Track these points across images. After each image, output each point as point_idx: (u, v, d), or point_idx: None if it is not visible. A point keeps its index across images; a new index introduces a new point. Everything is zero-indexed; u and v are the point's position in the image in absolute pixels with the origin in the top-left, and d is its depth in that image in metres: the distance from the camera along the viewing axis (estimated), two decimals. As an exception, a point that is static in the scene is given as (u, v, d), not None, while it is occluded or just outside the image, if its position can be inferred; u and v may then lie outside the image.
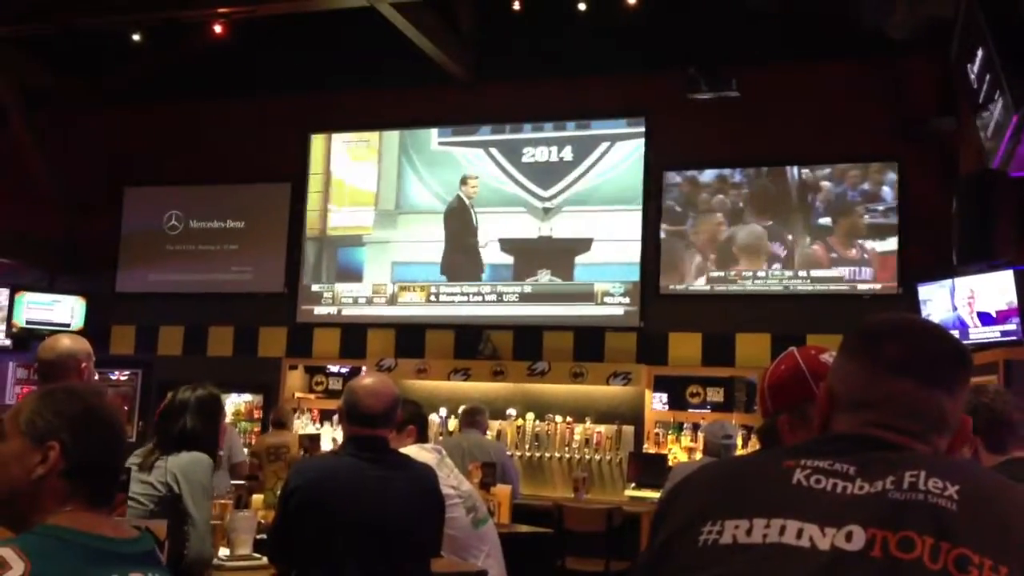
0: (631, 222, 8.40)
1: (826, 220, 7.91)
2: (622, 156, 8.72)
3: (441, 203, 9.22)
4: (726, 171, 8.22)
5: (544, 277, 8.78)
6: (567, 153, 8.97)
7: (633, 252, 8.35)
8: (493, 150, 9.24)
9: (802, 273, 7.91)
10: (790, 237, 7.98)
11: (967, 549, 1.11)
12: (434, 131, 9.25)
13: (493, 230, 9.01)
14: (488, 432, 7.07)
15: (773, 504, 1.21)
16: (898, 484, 1.19)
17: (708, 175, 8.27)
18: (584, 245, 8.74)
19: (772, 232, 8.03)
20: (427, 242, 9.14)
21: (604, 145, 8.84)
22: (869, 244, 7.77)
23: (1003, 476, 1.29)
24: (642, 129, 8.62)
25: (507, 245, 8.96)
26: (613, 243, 8.44)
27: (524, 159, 9.07)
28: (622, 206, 8.62)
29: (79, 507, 1.69)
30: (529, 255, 8.86)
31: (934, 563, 1.10)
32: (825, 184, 7.94)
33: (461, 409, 6.61)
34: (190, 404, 3.53)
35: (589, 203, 8.76)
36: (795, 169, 8.02)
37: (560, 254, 8.75)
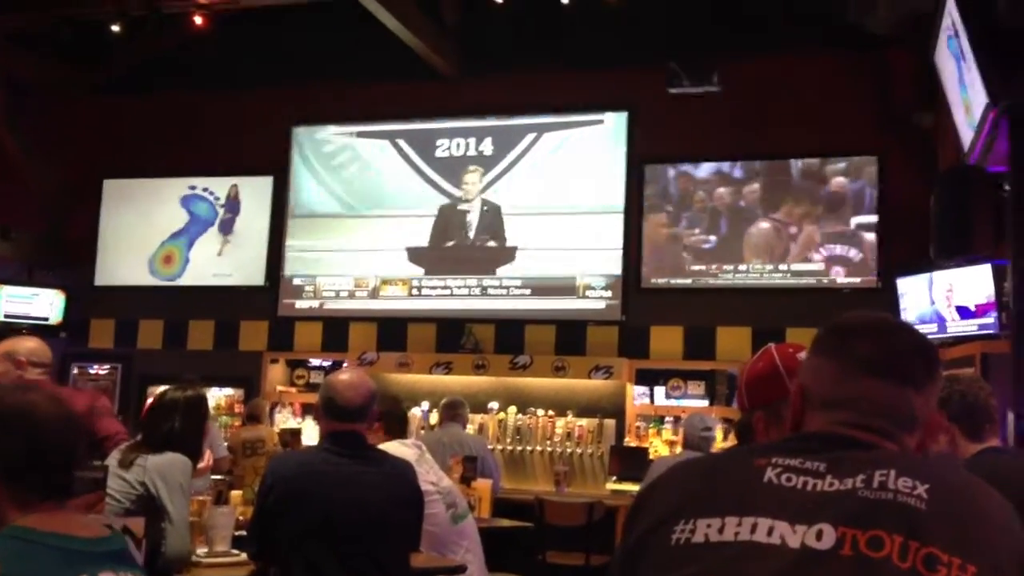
0: (613, 214, 8.38)
1: (803, 213, 7.93)
2: (549, 149, 8.56)
3: (342, 205, 9.02)
4: (706, 164, 8.23)
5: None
6: (487, 146, 8.78)
7: (615, 245, 8.34)
8: (401, 142, 8.97)
9: (782, 267, 7.94)
10: (767, 230, 8.01)
11: (936, 548, 1.12)
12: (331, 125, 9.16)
13: (398, 236, 8.75)
14: (469, 425, 7.06)
15: (745, 502, 1.22)
16: (868, 483, 1.20)
17: (688, 168, 8.28)
18: (506, 255, 8.58)
19: (747, 224, 8.06)
20: (329, 251, 8.96)
21: (530, 136, 8.66)
22: (848, 238, 7.80)
23: (972, 474, 1.30)
24: (574, 118, 8.53)
25: (414, 255, 8.82)
26: (594, 235, 8.42)
27: (438, 153, 8.88)
28: (550, 209, 8.41)
29: (41, 506, 1.69)
30: (441, 266, 8.67)
31: (903, 562, 1.11)
32: (804, 177, 7.97)
33: (442, 402, 6.60)
34: (179, 405, 3.53)
35: (516, 206, 8.57)
36: (775, 163, 8.05)
37: (479, 264, 8.62)
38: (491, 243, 8.63)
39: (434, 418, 8.06)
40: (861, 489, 1.19)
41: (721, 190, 8.18)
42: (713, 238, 8.14)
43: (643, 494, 1.36)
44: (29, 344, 3.80)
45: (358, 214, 8.98)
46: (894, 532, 1.14)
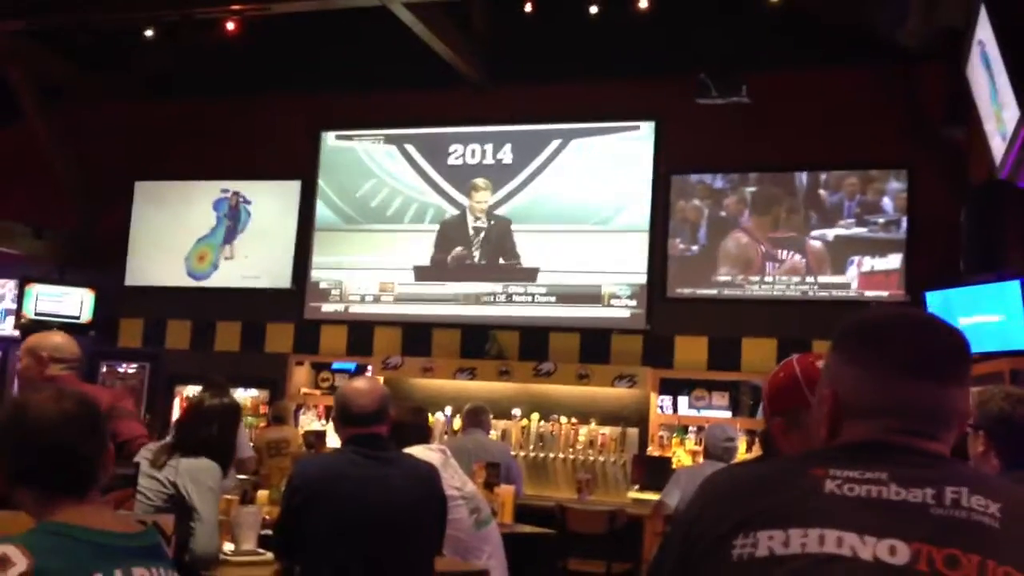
0: (638, 223, 8.38)
1: (834, 227, 7.90)
2: (574, 157, 8.45)
3: (341, 218, 9.01)
4: (734, 176, 8.22)
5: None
6: (506, 153, 8.67)
7: (640, 254, 8.33)
8: (409, 147, 8.76)
9: (809, 279, 7.91)
10: (794, 241, 7.98)
11: (1011, 567, 1.12)
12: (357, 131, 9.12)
13: (405, 253, 8.67)
14: (492, 432, 7.07)
15: (808, 514, 1.18)
16: (939, 499, 1.18)
17: (714, 179, 8.27)
18: (525, 275, 8.49)
19: (775, 237, 8.03)
20: (351, 269, 8.92)
21: (554, 144, 8.50)
22: (877, 251, 7.76)
23: None
24: (606, 125, 8.47)
25: (421, 273, 8.77)
26: (619, 244, 8.41)
27: (450, 160, 8.76)
28: (579, 225, 8.30)
29: (64, 502, 1.73)
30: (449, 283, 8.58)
31: None
32: (834, 190, 7.94)
33: (465, 408, 6.62)
34: (217, 413, 3.61)
35: (535, 219, 8.51)
36: (803, 175, 8.03)
37: (493, 282, 8.57)
38: (501, 261, 8.54)
39: (457, 423, 8.11)
40: (933, 506, 1.18)
41: (744, 201, 8.15)
42: (727, 250, 8.14)
43: (692, 508, 1.31)
44: (55, 340, 3.82)
45: (378, 224, 8.97)
46: (970, 551, 1.13)
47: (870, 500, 1.18)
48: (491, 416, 6.68)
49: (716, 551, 1.20)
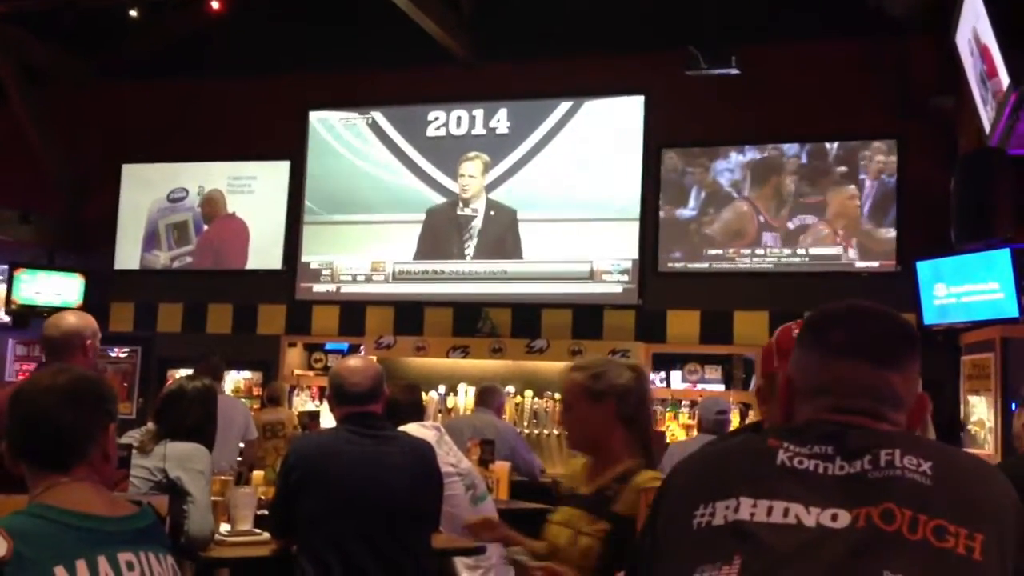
0: (630, 199, 8.36)
1: (824, 197, 7.90)
2: (568, 131, 8.30)
3: (352, 202, 8.80)
4: (724, 148, 8.19)
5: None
6: (500, 122, 8.41)
7: (631, 229, 8.32)
8: (377, 115, 8.36)
9: (800, 251, 7.91)
10: (785, 214, 7.98)
11: (943, 520, 1.20)
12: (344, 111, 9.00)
13: (380, 249, 8.51)
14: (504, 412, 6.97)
15: (759, 485, 1.28)
16: (875, 463, 1.27)
17: (704, 153, 8.25)
18: (521, 263, 8.42)
19: (767, 209, 8.02)
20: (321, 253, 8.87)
21: (564, 107, 8.34)
22: (867, 222, 7.76)
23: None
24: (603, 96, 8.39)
25: (402, 276, 8.66)
26: (611, 221, 8.40)
27: (430, 132, 8.44)
28: (575, 206, 8.16)
29: (50, 479, 1.73)
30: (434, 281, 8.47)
31: (913, 534, 1.19)
32: (824, 162, 7.93)
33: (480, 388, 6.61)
34: (193, 396, 3.62)
35: (534, 205, 8.37)
36: (794, 147, 8.01)
37: (484, 276, 8.47)
38: (500, 259, 8.40)
39: (451, 402, 8.15)
40: (870, 471, 1.26)
41: (737, 174, 8.14)
42: (720, 222, 8.11)
43: (666, 482, 1.43)
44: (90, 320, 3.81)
45: (341, 215, 8.90)
46: (903, 506, 1.21)
47: (816, 475, 1.28)
48: (504, 396, 6.63)
49: (680, 521, 1.30)
